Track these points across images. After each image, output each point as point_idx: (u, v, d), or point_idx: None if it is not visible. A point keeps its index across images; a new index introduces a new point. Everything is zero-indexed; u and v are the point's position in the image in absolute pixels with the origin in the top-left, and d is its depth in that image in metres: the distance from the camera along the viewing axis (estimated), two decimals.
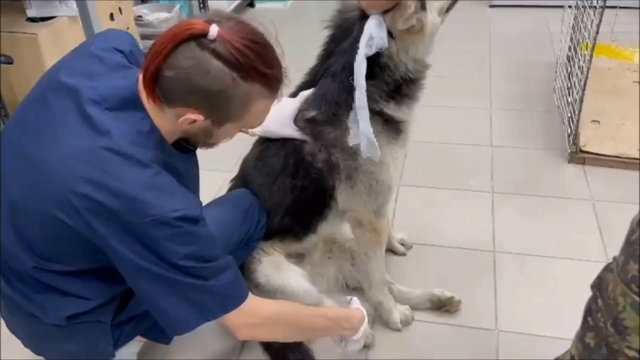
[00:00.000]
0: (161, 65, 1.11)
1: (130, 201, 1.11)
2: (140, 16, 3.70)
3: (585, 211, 2.39)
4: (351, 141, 1.56)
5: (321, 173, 1.64)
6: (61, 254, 1.24)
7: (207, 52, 1.10)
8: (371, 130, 1.50)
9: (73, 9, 2.59)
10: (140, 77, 1.18)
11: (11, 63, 2.67)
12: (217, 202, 1.72)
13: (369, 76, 1.48)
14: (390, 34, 1.47)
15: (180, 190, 1.18)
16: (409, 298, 1.97)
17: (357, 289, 1.99)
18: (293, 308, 1.49)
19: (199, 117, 1.16)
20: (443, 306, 1.97)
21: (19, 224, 1.22)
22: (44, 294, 1.29)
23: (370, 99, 1.51)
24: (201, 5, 3.77)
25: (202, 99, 1.14)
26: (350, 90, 1.50)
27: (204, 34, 1.09)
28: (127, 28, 3.19)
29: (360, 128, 1.51)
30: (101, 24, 2.61)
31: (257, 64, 1.13)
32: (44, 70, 2.63)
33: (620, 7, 3.33)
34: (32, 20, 2.72)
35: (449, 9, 1.55)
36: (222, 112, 1.18)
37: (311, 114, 1.60)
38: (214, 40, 1.09)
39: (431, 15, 1.48)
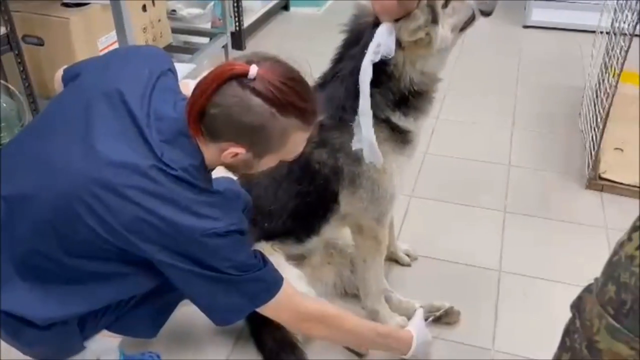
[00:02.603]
0: (206, 104, 1.20)
1: (190, 216, 1.20)
2: (174, 10, 3.75)
3: (598, 239, 2.35)
4: (354, 146, 1.56)
5: (327, 179, 1.64)
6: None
7: (248, 90, 1.18)
8: (373, 136, 1.50)
9: None
10: (186, 113, 1.25)
11: (42, 45, 2.74)
12: None
13: (376, 83, 1.49)
14: (399, 43, 1.47)
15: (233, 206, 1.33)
16: (407, 308, 1.96)
17: (355, 296, 1.98)
18: (344, 314, 1.59)
19: (241, 151, 1.24)
20: (443, 317, 1.94)
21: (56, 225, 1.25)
22: None
23: (375, 106, 1.51)
24: (235, 5, 3.81)
25: (244, 133, 1.22)
26: (356, 95, 1.50)
27: (245, 74, 1.17)
28: (159, 20, 3.24)
29: (363, 134, 1.51)
30: (132, 15, 2.65)
31: (294, 99, 1.21)
32: (73, 54, 2.70)
33: None
34: (66, 5, 2.78)
35: (464, 27, 1.54)
36: (262, 145, 1.26)
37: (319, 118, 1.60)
38: (253, 79, 1.17)
39: (443, 31, 1.48)
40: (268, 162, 1.32)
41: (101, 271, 1.29)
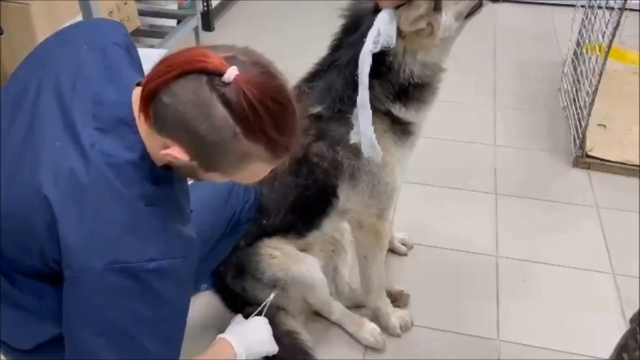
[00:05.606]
0: (161, 87, 0.96)
1: (101, 241, 0.99)
2: None
3: (589, 218, 2.34)
4: (352, 138, 1.48)
5: (326, 172, 1.56)
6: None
7: (215, 94, 0.93)
8: (372, 130, 1.41)
9: None
10: (137, 89, 1.04)
11: (1, 34, 2.54)
12: (192, 188, 1.43)
13: (376, 74, 1.40)
14: (400, 32, 1.37)
15: (164, 235, 1.05)
16: (357, 295, 1.91)
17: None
18: None
19: (184, 157, 0.99)
20: (393, 301, 1.91)
21: None
22: None
23: (375, 98, 1.43)
24: None
25: (193, 141, 0.97)
26: (355, 86, 1.40)
27: (219, 74, 0.93)
28: (125, 3, 3.06)
29: (361, 127, 1.42)
30: None
31: (267, 126, 0.96)
32: (36, 43, 2.50)
33: (631, 10, 3.25)
34: None
35: (470, 14, 1.44)
36: (211, 161, 1.02)
37: (316, 109, 1.51)
38: (227, 84, 0.93)
39: (446, 19, 1.38)
40: (215, 178, 1.08)
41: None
